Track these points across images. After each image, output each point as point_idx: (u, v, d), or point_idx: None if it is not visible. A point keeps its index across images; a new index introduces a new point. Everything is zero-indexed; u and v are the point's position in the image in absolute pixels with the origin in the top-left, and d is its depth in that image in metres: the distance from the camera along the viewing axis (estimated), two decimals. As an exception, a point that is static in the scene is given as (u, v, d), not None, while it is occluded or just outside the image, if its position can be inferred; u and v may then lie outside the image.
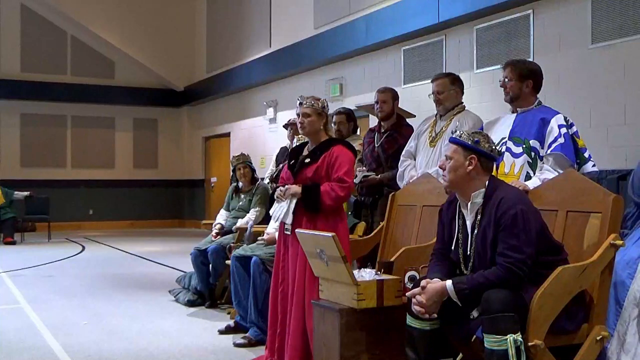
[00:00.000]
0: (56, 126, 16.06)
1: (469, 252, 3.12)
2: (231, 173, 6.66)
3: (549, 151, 3.67)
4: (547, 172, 3.62)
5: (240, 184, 6.40)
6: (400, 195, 4.48)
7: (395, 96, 5.33)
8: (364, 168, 5.25)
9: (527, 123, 3.79)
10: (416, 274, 3.40)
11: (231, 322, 5.13)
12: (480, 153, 3.12)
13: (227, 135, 15.04)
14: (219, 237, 6.13)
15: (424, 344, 3.10)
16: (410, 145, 4.82)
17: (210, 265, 6.04)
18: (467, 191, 3.13)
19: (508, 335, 2.74)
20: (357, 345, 3.35)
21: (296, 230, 3.74)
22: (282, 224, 4.06)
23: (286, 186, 4.00)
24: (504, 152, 3.77)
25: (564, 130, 3.68)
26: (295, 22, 11.70)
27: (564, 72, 6.82)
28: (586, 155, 3.74)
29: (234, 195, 6.46)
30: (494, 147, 3.18)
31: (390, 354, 3.39)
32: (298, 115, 4.04)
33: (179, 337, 4.96)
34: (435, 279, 3.06)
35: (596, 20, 6.56)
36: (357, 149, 4.90)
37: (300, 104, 4.04)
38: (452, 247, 3.21)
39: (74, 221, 15.81)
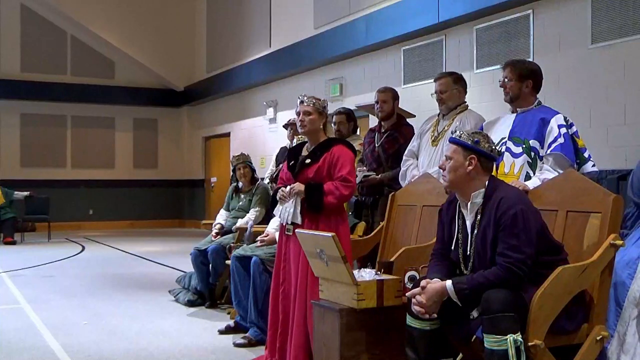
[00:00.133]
0: (56, 126, 16.06)
1: (468, 252, 3.12)
2: (231, 173, 6.66)
3: (548, 151, 3.68)
4: (547, 172, 3.62)
5: (240, 184, 6.39)
6: (400, 195, 4.48)
7: (395, 96, 5.32)
8: (365, 168, 5.25)
9: (526, 123, 3.79)
10: (416, 274, 3.41)
11: (231, 322, 5.13)
12: (480, 153, 3.12)
13: (227, 135, 15.04)
14: (219, 237, 6.13)
15: (424, 344, 3.10)
16: (413, 144, 4.82)
17: (210, 265, 6.03)
18: (467, 191, 3.13)
19: (508, 335, 2.74)
20: (357, 345, 3.35)
21: (296, 230, 3.74)
22: (283, 224, 4.05)
23: (289, 185, 3.99)
24: (503, 152, 3.77)
25: (563, 130, 3.68)
26: (295, 22, 11.70)
27: (564, 72, 6.82)
28: (586, 155, 3.74)
29: (234, 195, 6.46)
30: (493, 147, 3.19)
31: (390, 354, 3.39)
32: (298, 113, 4.02)
33: (179, 337, 4.96)
34: (435, 279, 3.06)
35: (596, 20, 6.56)
36: (357, 149, 4.91)
37: (302, 102, 4.03)
38: (452, 247, 3.21)
39: (74, 221, 15.81)
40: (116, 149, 16.72)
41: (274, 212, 4.22)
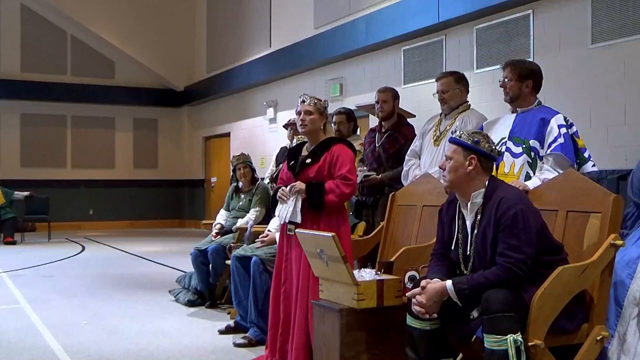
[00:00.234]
0: (56, 126, 16.06)
1: (468, 252, 3.12)
2: (231, 173, 6.66)
3: (548, 151, 3.68)
4: (547, 172, 3.62)
5: (240, 184, 6.39)
6: (401, 195, 4.48)
7: (395, 96, 5.32)
8: (365, 168, 5.25)
9: (526, 123, 3.79)
10: (416, 274, 3.41)
11: (231, 322, 5.12)
12: (480, 153, 3.12)
13: (227, 135, 15.04)
14: (219, 237, 6.13)
15: (424, 344, 3.10)
16: (415, 144, 4.82)
17: (210, 265, 6.03)
18: (467, 191, 3.13)
19: (508, 335, 2.74)
20: (357, 345, 3.35)
21: (296, 230, 3.74)
22: (284, 224, 4.04)
23: (290, 184, 3.98)
24: (503, 152, 3.77)
25: (563, 130, 3.68)
26: (295, 22, 11.71)
27: (564, 72, 6.82)
28: (586, 155, 3.74)
29: (234, 195, 6.46)
30: (493, 147, 3.19)
31: (390, 354, 3.39)
32: (299, 113, 4.01)
33: (179, 337, 4.96)
34: (435, 279, 3.06)
35: (596, 20, 6.56)
36: (357, 149, 4.90)
37: (303, 101, 4.02)
38: (452, 247, 3.21)
39: (74, 221, 15.81)
40: (116, 149, 16.72)
41: (275, 212, 4.21)
